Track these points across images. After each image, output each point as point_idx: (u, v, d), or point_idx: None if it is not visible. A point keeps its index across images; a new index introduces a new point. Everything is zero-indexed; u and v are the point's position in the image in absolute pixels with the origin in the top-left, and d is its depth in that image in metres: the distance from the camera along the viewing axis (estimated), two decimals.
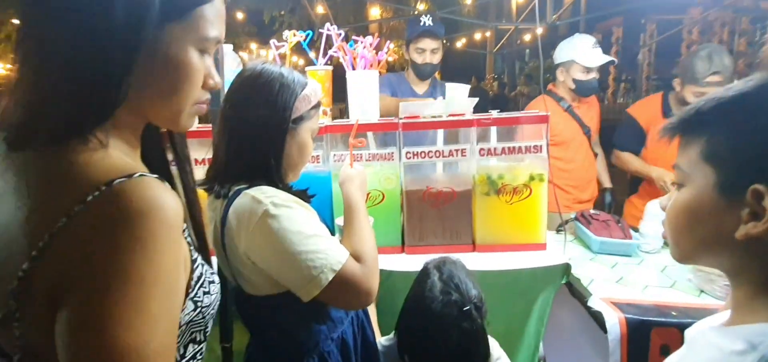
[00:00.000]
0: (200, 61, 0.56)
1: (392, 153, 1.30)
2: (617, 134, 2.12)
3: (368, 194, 1.31)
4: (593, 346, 1.20)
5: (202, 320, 0.61)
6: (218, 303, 0.65)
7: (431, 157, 1.29)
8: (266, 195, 0.78)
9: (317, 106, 0.91)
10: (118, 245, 0.44)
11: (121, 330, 0.43)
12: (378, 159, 1.30)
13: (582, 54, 1.95)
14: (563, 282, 1.26)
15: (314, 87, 0.91)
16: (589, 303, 1.17)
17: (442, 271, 0.96)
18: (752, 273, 0.46)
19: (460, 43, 9.95)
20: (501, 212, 1.29)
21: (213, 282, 0.64)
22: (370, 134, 1.33)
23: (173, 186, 0.62)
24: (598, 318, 1.13)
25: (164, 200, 0.48)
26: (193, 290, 0.59)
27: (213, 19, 0.56)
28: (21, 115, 0.48)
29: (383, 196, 1.31)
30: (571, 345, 1.39)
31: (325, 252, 0.77)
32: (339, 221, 1.11)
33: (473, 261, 1.10)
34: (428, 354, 0.91)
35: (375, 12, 9.64)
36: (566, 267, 1.24)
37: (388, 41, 1.44)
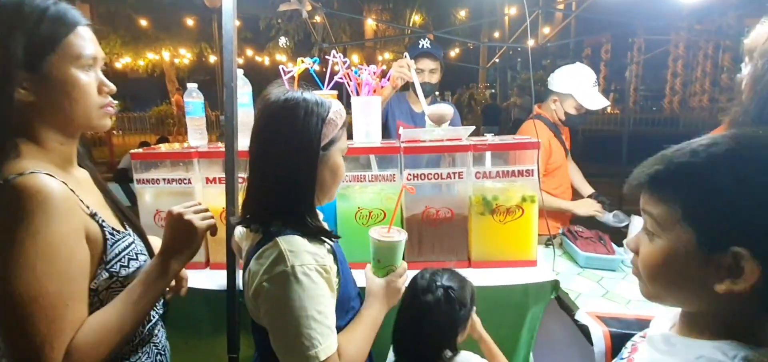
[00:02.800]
0: (86, 76, 0.76)
1: (394, 174, 1.38)
2: None
3: (370, 213, 1.39)
4: (581, 357, 1.29)
5: (121, 288, 0.79)
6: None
7: (430, 179, 1.37)
8: (293, 253, 0.79)
9: (344, 125, 0.90)
10: (8, 221, 0.65)
11: (13, 281, 0.64)
12: (380, 180, 1.38)
13: (582, 93, 1.90)
14: (552, 296, 1.35)
15: (338, 108, 0.89)
16: (576, 317, 1.26)
17: (427, 271, 1.08)
18: (719, 316, 0.54)
19: (453, 53, 10.12)
20: (495, 231, 1.38)
21: (135, 259, 0.83)
22: (372, 156, 1.41)
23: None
24: (585, 331, 1.22)
25: (48, 188, 0.67)
26: (108, 263, 0.77)
27: (82, 42, 0.75)
28: None
29: (384, 215, 1.39)
30: (559, 356, 1.48)
31: (312, 341, 0.77)
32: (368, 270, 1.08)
33: (469, 276, 1.18)
34: (405, 335, 1.04)
35: (370, 23, 9.77)
36: (555, 284, 1.33)
37: (390, 72, 1.52)
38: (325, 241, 0.88)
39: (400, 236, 1.03)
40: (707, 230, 0.51)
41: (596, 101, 1.92)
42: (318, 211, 1.01)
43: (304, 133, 0.82)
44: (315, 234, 0.85)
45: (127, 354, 0.85)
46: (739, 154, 0.50)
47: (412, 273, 1.37)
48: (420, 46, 2.07)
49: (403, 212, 1.39)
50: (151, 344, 0.92)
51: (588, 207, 2.00)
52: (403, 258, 1.09)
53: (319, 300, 0.79)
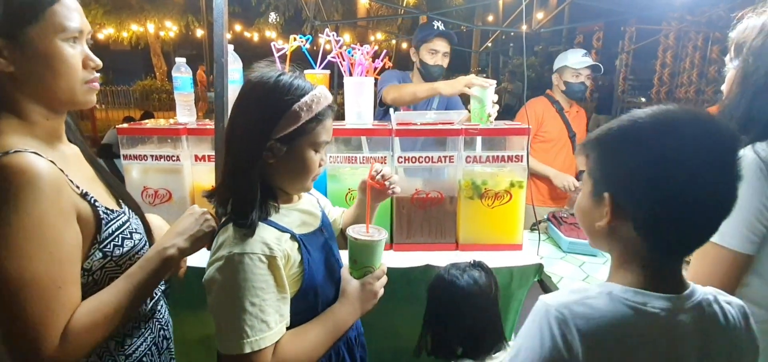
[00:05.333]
0: (72, 48, 0.72)
1: (385, 157, 1.38)
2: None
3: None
4: None
5: (117, 268, 0.78)
6: (138, 254, 0.81)
7: (422, 162, 1.38)
8: (236, 239, 0.76)
9: (321, 116, 0.82)
10: None
11: (2, 264, 0.62)
12: (372, 162, 1.38)
13: (572, 60, 2.25)
14: (536, 280, 1.39)
15: (314, 97, 0.79)
16: None
17: (457, 266, 1.14)
18: (613, 252, 0.67)
19: None
20: (483, 215, 1.40)
21: (129, 238, 0.80)
22: (363, 138, 1.41)
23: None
24: None
25: (35, 168, 0.65)
26: (102, 243, 0.75)
27: (68, 13, 0.71)
28: None
29: None
30: None
31: (240, 332, 0.74)
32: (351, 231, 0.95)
33: (456, 259, 1.20)
34: (450, 327, 1.08)
35: (363, 1, 9.58)
36: (539, 267, 1.36)
37: (383, 52, 1.51)
38: (285, 229, 0.83)
39: (379, 235, 0.92)
40: (595, 180, 0.65)
41: (583, 61, 2.30)
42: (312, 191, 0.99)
43: (255, 120, 0.78)
44: (250, 227, 0.78)
45: (129, 330, 0.85)
46: (639, 124, 0.60)
47: (400, 256, 1.40)
48: (435, 28, 2.02)
49: (394, 196, 1.40)
50: (154, 320, 0.92)
51: (565, 179, 2.18)
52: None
53: (253, 292, 0.75)
